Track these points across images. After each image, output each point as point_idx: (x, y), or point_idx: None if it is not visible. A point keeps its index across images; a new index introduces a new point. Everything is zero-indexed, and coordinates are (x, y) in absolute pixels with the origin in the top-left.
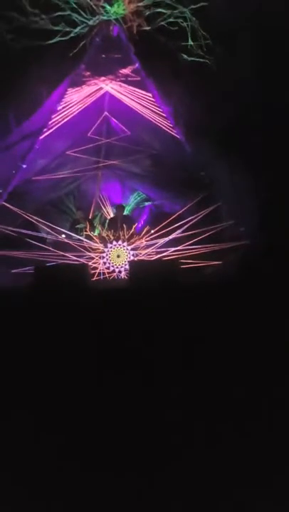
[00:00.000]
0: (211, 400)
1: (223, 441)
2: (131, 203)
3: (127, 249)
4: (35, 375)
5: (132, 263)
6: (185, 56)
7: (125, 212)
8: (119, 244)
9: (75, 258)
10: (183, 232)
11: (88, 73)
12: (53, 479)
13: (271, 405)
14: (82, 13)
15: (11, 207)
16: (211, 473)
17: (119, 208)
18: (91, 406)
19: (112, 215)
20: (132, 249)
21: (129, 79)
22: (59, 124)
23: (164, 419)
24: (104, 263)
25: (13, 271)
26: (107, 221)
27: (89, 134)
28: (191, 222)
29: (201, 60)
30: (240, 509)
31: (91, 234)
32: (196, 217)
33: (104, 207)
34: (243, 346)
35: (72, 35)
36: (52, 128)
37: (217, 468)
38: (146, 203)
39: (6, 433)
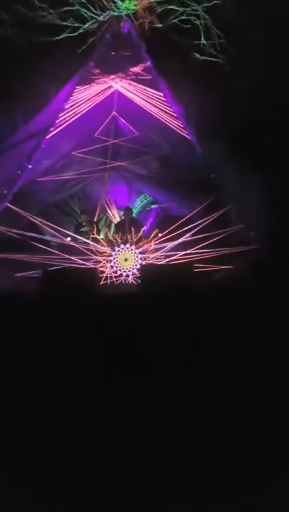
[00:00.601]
0: (219, 402)
1: (224, 442)
2: (137, 205)
3: (135, 252)
4: (40, 378)
5: (143, 267)
6: (197, 55)
7: (132, 216)
8: (127, 248)
9: (81, 262)
10: (192, 235)
11: (97, 71)
12: (53, 478)
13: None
14: (91, 8)
15: (15, 208)
16: (211, 474)
17: (127, 210)
18: (93, 409)
19: (117, 218)
20: (140, 253)
21: (140, 77)
22: (66, 123)
23: (174, 423)
24: (112, 267)
25: (17, 274)
26: (114, 224)
27: (96, 134)
28: (200, 226)
29: (214, 59)
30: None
31: (98, 237)
32: (205, 221)
33: (110, 210)
34: (253, 350)
35: (81, 31)
36: (59, 127)
37: (217, 468)
38: (153, 206)
39: (8, 433)
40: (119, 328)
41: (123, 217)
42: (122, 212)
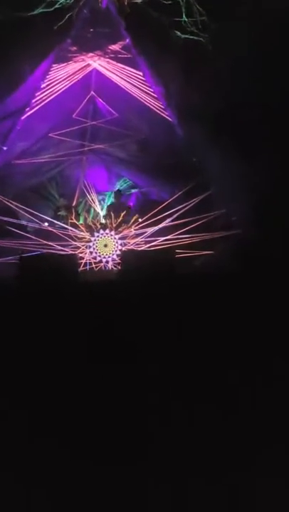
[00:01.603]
0: (202, 386)
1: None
2: (116, 189)
3: (115, 238)
4: (19, 367)
5: (123, 253)
6: (178, 33)
7: (112, 200)
8: (107, 234)
9: (59, 247)
10: (173, 220)
11: (75, 48)
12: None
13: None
14: None
15: None
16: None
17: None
18: (75, 398)
19: (96, 203)
20: (120, 239)
21: (119, 56)
22: (43, 103)
23: (155, 406)
24: (91, 253)
25: None
26: (106, 208)
27: (74, 116)
28: (181, 211)
29: (196, 37)
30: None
31: (76, 222)
32: (186, 206)
33: (89, 194)
34: (236, 334)
35: (57, 6)
36: (35, 107)
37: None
38: (133, 190)
39: None
40: (98, 315)
41: (113, 201)
42: (100, 197)
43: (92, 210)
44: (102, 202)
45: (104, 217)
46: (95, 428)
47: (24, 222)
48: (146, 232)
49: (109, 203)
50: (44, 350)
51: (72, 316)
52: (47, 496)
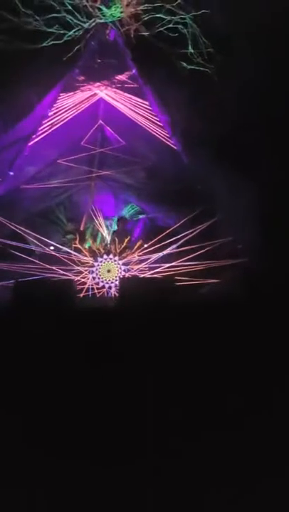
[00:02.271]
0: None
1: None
2: (124, 215)
3: (118, 263)
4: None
5: (122, 280)
6: (184, 64)
7: (115, 227)
8: (110, 259)
9: (62, 272)
10: (178, 247)
11: (82, 78)
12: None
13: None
14: (77, 15)
15: None
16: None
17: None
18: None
19: (104, 228)
20: (124, 264)
21: (126, 85)
22: (50, 131)
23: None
24: (94, 278)
25: None
26: (112, 233)
27: (82, 143)
28: (186, 238)
29: (202, 68)
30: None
31: (80, 246)
32: (191, 233)
33: (97, 219)
34: (239, 368)
35: (66, 38)
36: (42, 134)
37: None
38: (140, 216)
39: None
40: (94, 343)
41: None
42: (108, 222)
43: (100, 235)
44: (109, 227)
45: (109, 242)
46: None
47: (31, 247)
48: (150, 258)
49: (113, 229)
50: (39, 374)
51: (66, 343)
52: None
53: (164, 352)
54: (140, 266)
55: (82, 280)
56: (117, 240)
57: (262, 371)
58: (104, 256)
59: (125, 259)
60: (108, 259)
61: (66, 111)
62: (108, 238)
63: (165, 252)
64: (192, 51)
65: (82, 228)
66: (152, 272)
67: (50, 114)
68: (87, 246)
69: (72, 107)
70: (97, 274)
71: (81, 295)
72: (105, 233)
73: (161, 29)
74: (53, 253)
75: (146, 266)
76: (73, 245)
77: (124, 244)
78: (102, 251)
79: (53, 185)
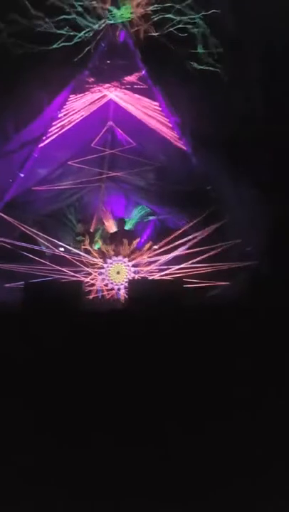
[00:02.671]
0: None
1: None
2: (134, 217)
3: (128, 265)
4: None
5: (131, 282)
6: (195, 64)
7: (128, 227)
8: (120, 260)
9: (71, 273)
10: (187, 249)
11: (92, 79)
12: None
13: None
14: (87, 16)
15: (8, 218)
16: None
17: (120, 222)
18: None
19: (114, 229)
20: (133, 266)
21: (135, 87)
22: (60, 132)
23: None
24: (103, 280)
25: (7, 285)
26: (108, 236)
27: (93, 144)
28: (195, 240)
29: (211, 68)
30: None
31: (90, 248)
32: (201, 234)
33: (107, 221)
34: (247, 370)
35: (76, 39)
36: (52, 136)
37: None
38: (151, 217)
39: None
40: (102, 345)
41: (117, 230)
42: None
43: (107, 237)
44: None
45: (107, 244)
46: None
47: (41, 248)
48: (160, 259)
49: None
50: (48, 375)
51: (74, 344)
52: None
53: (172, 353)
54: (149, 268)
55: (92, 282)
56: (126, 241)
57: (269, 372)
58: (114, 258)
59: (135, 261)
60: (118, 261)
61: (76, 112)
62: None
63: (174, 253)
64: (202, 51)
65: (92, 230)
66: (162, 273)
67: (60, 115)
68: (96, 247)
69: (82, 108)
70: (106, 275)
71: (90, 297)
72: None
73: (171, 29)
74: (63, 254)
75: (156, 268)
76: (83, 247)
77: (119, 247)
78: (112, 253)
79: (64, 186)
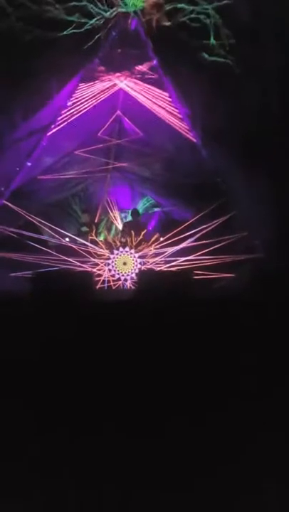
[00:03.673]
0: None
1: None
2: (140, 208)
3: (135, 256)
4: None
5: (140, 273)
6: (206, 55)
7: (130, 219)
8: (126, 251)
9: (78, 264)
10: (194, 241)
11: (102, 68)
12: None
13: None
14: (98, 4)
15: (14, 206)
16: None
17: (135, 212)
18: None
19: (119, 220)
20: (140, 257)
21: (146, 76)
22: (68, 121)
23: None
24: (110, 270)
25: (12, 274)
26: (120, 225)
27: (99, 134)
28: (203, 232)
29: (223, 59)
30: None
31: (96, 238)
32: (208, 227)
33: (112, 211)
34: (253, 364)
35: (87, 27)
36: (61, 124)
37: None
38: (156, 209)
39: None
40: (109, 338)
41: (131, 219)
42: (123, 215)
43: (114, 227)
44: (124, 219)
45: (124, 235)
46: None
47: (46, 238)
48: (166, 251)
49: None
50: (55, 365)
51: (84, 334)
52: None
53: (179, 345)
54: (156, 259)
55: (98, 272)
56: (133, 232)
57: (275, 366)
58: (120, 249)
59: (141, 252)
60: (124, 252)
61: (85, 101)
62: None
63: (181, 245)
64: (214, 42)
65: (96, 220)
66: (168, 265)
67: (69, 104)
68: (101, 238)
69: (92, 97)
70: (113, 266)
71: (97, 287)
72: (120, 226)
73: (183, 19)
74: (69, 245)
75: (162, 259)
76: (89, 237)
77: (141, 236)
78: (118, 243)
79: (69, 176)
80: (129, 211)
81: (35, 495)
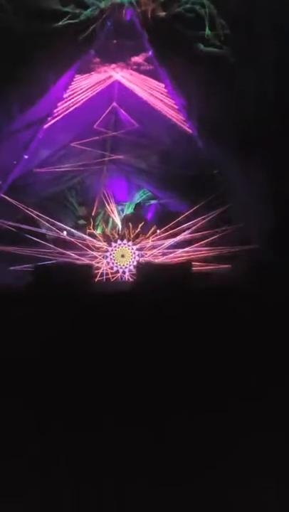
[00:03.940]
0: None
1: None
2: (136, 200)
3: (132, 249)
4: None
5: (139, 265)
6: (201, 45)
7: (130, 211)
8: (124, 244)
9: (76, 257)
10: (191, 233)
11: (98, 59)
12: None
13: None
14: None
15: (11, 200)
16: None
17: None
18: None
19: (116, 213)
20: (138, 250)
21: (141, 67)
22: (65, 113)
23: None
24: (108, 263)
25: (12, 268)
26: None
27: (95, 126)
28: (199, 224)
29: (218, 49)
30: None
31: (94, 232)
32: (205, 218)
33: (108, 204)
34: (252, 353)
35: (82, 17)
36: (57, 117)
37: None
38: (152, 201)
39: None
40: (110, 329)
41: (133, 212)
42: (120, 207)
43: (111, 220)
44: (121, 212)
45: (122, 227)
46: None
47: (43, 231)
48: (163, 243)
49: (126, 213)
50: (54, 359)
51: (84, 326)
52: None
53: (178, 337)
54: (153, 251)
55: (97, 265)
56: (131, 225)
57: (273, 357)
58: (118, 241)
59: (139, 245)
60: (122, 244)
61: (81, 93)
62: (119, 224)
63: (178, 238)
64: (209, 32)
65: (93, 213)
66: (165, 257)
67: (65, 96)
68: (99, 231)
69: (87, 88)
70: (111, 259)
71: (96, 279)
72: (116, 218)
73: (179, 9)
74: (68, 238)
75: (160, 251)
76: (87, 230)
77: (139, 229)
78: (116, 236)
79: (66, 168)
80: (126, 204)
81: (35, 494)
